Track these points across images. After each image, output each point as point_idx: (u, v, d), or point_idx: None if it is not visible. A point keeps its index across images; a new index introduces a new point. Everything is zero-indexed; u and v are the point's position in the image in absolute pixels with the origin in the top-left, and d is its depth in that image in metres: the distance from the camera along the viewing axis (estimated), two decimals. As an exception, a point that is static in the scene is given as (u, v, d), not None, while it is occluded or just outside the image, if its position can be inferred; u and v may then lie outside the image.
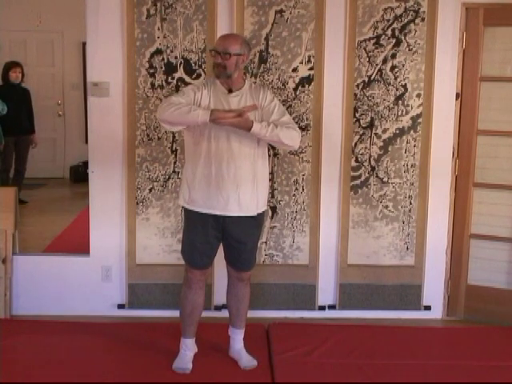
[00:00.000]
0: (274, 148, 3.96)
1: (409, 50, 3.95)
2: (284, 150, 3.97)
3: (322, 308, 4.17)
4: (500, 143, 4.09)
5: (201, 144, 3.18)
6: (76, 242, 4.70)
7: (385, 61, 3.96)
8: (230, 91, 3.21)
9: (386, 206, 4.09)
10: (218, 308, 4.08)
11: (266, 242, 4.08)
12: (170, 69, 3.92)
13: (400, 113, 4.00)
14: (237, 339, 3.50)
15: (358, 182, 4.07)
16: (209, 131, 3.15)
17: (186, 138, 3.31)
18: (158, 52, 3.90)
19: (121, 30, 3.88)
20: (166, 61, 3.91)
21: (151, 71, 3.92)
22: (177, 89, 3.88)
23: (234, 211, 3.20)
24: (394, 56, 3.95)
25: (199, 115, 3.04)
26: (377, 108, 4.00)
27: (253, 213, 3.25)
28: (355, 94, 3.99)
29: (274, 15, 3.88)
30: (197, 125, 3.11)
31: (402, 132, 4.02)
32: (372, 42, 3.94)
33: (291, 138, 3.19)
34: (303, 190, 4.05)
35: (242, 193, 3.19)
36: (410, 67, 3.96)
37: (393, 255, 4.13)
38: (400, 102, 3.99)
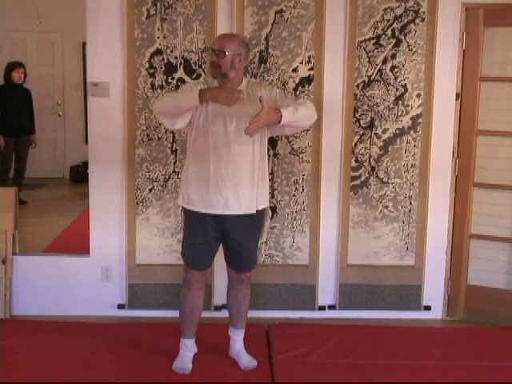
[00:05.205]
0: (274, 148, 3.97)
1: (409, 50, 3.94)
2: (284, 150, 3.98)
3: (322, 308, 4.17)
4: (500, 143, 4.09)
5: (200, 143, 3.18)
6: (76, 242, 4.71)
7: (385, 61, 3.96)
8: None
9: (386, 206, 4.09)
10: (218, 308, 4.07)
11: (266, 242, 4.08)
12: (169, 69, 3.92)
13: (400, 113, 4.00)
14: (237, 339, 3.50)
15: (357, 182, 4.07)
16: (206, 130, 3.14)
17: (188, 137, 3.30)
18: (158, 52, 3.90)
19: (121, 30, 3.88)
20: (165, 61, 3.91)
21: (151, 71, 3.92)
22: (177, 89, 3.88)
23: (233, 210, 3.19)
24: (393, 56, 3.95)
25: (192, 94, 3.03)
26: (377, 108, 4.00)
27: (252, 211, 3.24)
28: (355, 94, 3.99)
29: (274, 15, 3.88)
30: (194, 107, 3.05)
31: (401, 132, 4.02)
32: (372, 42, 3.94)
33: (311, 113, 3.21)
34: (303, 190, 4.05)
35: (242, 192, 3.18)
36: (410, 67, 3.96)
37: (393, 255, 4.13)
38: (400, 102, 3.99)
